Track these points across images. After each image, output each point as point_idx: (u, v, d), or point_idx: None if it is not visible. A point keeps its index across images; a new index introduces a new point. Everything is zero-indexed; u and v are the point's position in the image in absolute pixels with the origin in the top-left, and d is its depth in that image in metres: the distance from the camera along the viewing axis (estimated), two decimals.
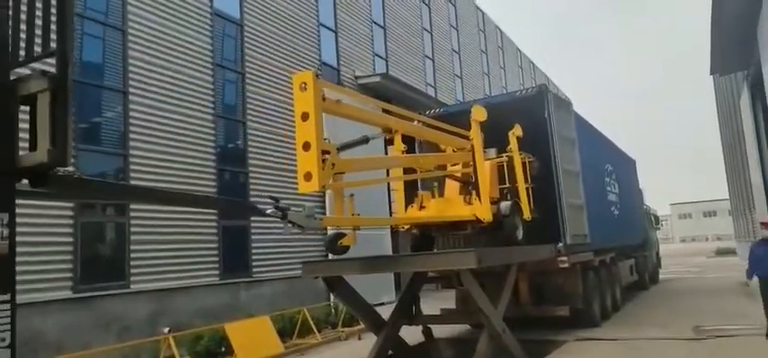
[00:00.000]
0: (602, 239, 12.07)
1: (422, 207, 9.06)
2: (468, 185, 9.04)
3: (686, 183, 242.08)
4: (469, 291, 7.47)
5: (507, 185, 9.69)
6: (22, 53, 3.37)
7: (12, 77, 3.31)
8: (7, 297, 3.19)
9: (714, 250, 43.29)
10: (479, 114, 8.66)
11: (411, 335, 9.29)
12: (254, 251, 14.90)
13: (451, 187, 9.70)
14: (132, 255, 11.94)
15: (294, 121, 5.99)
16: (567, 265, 10.02)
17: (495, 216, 8.70)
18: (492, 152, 9.80)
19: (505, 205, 9.05)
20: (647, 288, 17.91)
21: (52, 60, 3.28)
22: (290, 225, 5.68)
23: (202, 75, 14.26)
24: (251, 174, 15.25)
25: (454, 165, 9.34)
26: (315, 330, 11.91)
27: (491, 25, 38.01)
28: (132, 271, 11.89)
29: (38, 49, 3.33)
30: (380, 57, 23.24)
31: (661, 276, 21.25)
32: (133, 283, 11.87)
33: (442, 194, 9.57)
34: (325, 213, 11.89)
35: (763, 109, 13.64)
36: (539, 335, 10.10)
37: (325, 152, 5.93)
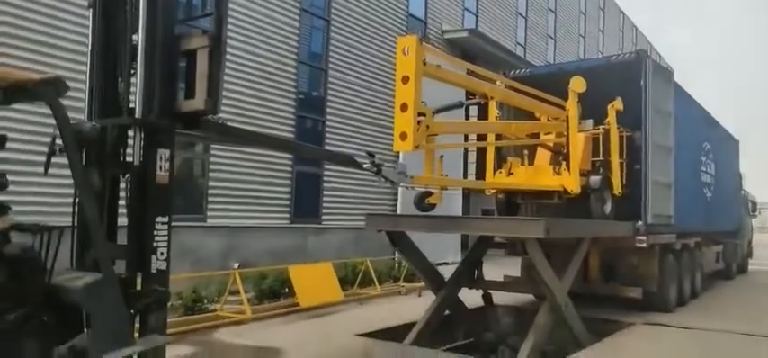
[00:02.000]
0: (689, 222, 11.30)
1: (510, 173, 8.96)
2: (559, 155, 8.87)
3: None
4: (534, 261, 7.25)
5: (600, 158, 9.38)
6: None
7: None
8: (166, 219, 3.76)
9: None
10: (578, 85, 8.47)
11: (471, 298, 9.17)
12: (324, 198, 15.14)
13: (542, 156, 9.53)
14: (210, 192, 12.43)
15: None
16: (644, 246, 9.49)
17: (583, 188, 8.52)
18: (589, 124, 9.51)
19: (595, 179, 8.81)
20: (733, 277, 16.74)
21: None
22: (383, 179, 6.03)
23: (289, 19, 14.38)
24: (328, 123, 15.38)
25: (547, 134, 9.16)
26: (375, 282, 12.01)
27: None
28: (209, 206, 12.40)
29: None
30: (470, 11, 22.53)
31: (750, 267, 19.79)
32: (210, 218, 12.40)
33: (531, 162, 9.38)
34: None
35: None
36: (606, 313, 9.67)
37: (421, 114, 6.14)
